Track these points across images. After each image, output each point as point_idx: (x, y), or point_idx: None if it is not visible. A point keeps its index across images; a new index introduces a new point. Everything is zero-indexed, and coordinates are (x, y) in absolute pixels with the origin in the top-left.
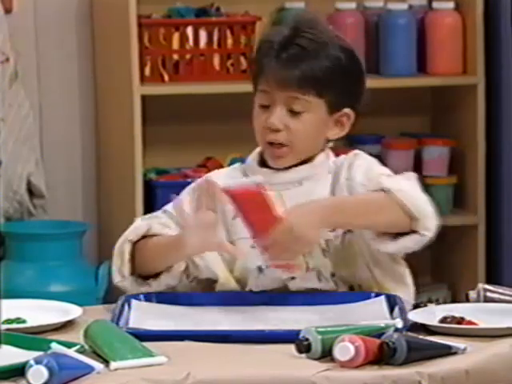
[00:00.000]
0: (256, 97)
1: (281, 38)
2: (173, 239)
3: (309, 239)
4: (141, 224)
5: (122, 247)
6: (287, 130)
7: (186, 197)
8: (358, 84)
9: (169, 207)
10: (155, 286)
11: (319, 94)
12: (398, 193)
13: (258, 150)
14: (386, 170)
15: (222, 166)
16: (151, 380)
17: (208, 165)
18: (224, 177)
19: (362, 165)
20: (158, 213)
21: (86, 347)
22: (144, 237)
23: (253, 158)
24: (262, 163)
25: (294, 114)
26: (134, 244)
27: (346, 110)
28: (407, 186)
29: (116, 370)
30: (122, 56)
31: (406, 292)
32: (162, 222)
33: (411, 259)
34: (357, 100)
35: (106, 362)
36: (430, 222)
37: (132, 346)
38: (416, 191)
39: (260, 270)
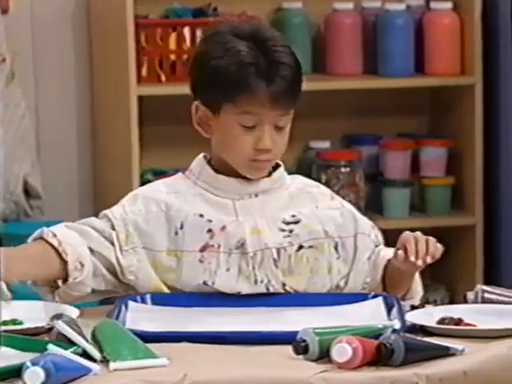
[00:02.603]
0: (232, 116)
1: (254, 57)
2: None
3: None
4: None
5: None
6: (274, 146)
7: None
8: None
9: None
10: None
11: (295, 104)
12: None
13: (201, 157)
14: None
15: None
16: (148, 381)
17: None
18: (167, 187)
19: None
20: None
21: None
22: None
23: (200, 165)
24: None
25: (279, 129)
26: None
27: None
28: None
29: (115, 370)
30: (119, 56)
31: None
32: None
33: None
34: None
35: (107, 362)
36: None
37: (134, 347)
38: None
39: (205, 284)
